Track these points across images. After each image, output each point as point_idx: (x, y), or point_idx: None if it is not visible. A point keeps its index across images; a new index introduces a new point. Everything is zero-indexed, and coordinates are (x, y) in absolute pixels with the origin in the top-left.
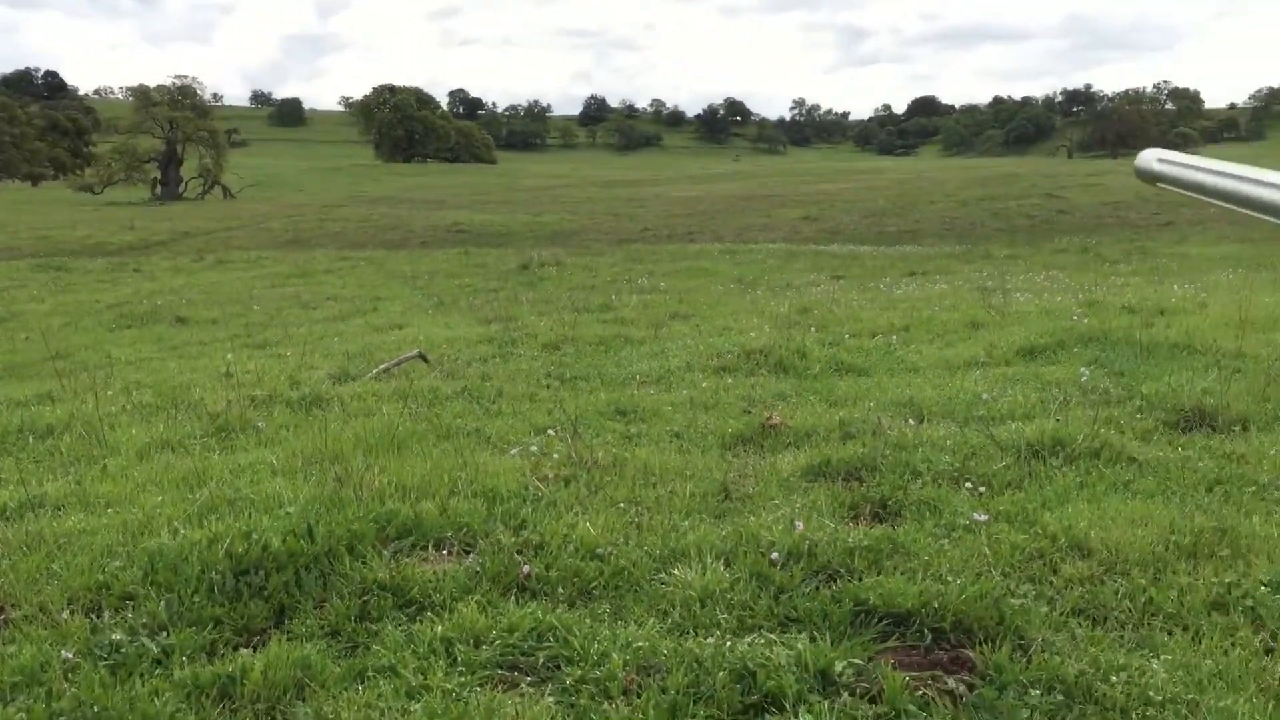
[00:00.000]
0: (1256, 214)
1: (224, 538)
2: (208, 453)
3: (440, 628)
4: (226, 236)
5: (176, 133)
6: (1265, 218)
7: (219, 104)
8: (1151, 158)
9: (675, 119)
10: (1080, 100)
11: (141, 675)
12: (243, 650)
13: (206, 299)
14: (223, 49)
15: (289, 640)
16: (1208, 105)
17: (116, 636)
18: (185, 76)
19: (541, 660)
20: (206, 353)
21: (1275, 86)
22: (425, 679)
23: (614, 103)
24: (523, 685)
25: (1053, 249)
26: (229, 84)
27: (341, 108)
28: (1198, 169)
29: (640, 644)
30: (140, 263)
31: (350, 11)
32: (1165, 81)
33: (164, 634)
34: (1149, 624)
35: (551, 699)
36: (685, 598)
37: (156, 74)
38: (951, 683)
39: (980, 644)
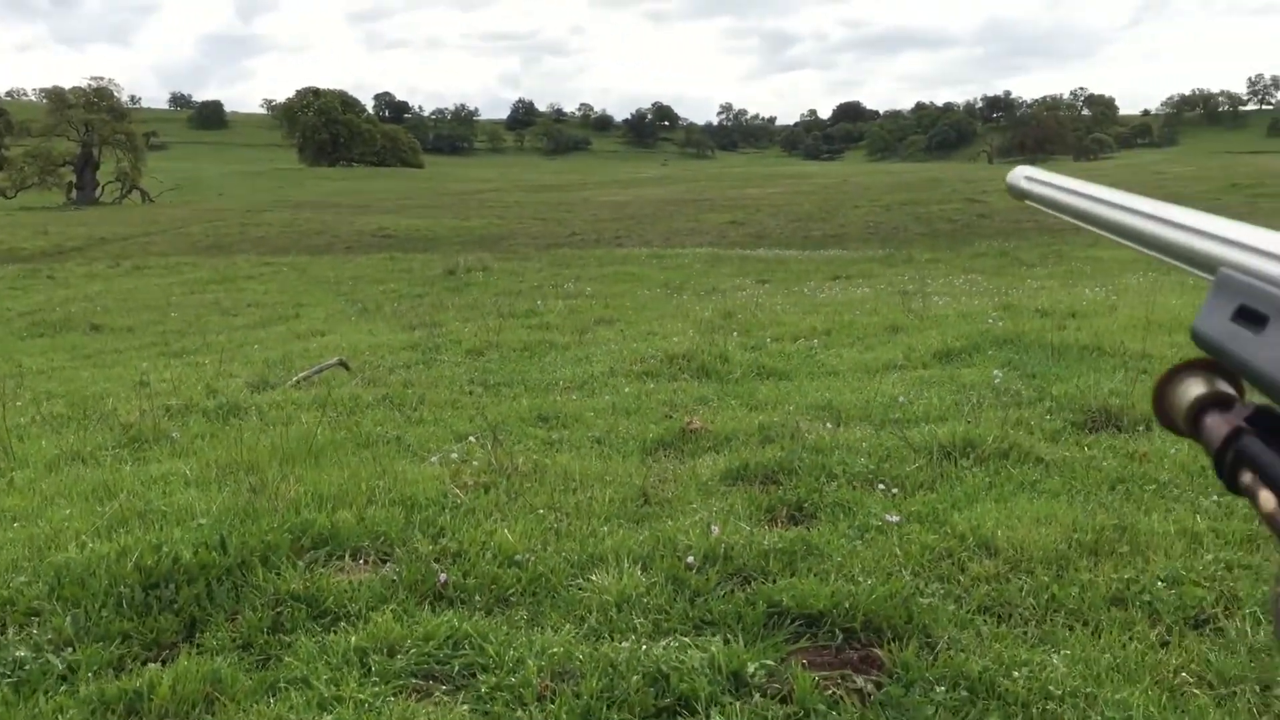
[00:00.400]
0: (1111, 236)
1: (133, 550)
2: (119, 464)
3: (354, 638)
4: (145, 242)
5: (93, 136)
6: (1120, 240)
7: (137, 106)
8: (1020, 175)
9: (603, 123)
10: (1000, 106)
11: (46, 692)
12: (151, 665)
13: (122, 306)
14: (141, 51)
15: (199, 653)
16: (1123, 112)
17: (20, 653)
18: (102, 78)
19: (457, 668)
20: (122, 361)
21: (1186, 94)
22: (338, 690)
23: (542, 107)
24: (437, 694)
25: (972, 253)
26: (147, 86)
27: (264, 111)
28: (1060, 189)
29: (556, 650)
30: (54, 269)
31: (273, 13)
32: (1082, 89)
33: (70, 650)
34: (1051, 620)
35: (466, 707)
36: (602, 603)
37: (72, 76)
38: (860, 681)
39: (889, 643)
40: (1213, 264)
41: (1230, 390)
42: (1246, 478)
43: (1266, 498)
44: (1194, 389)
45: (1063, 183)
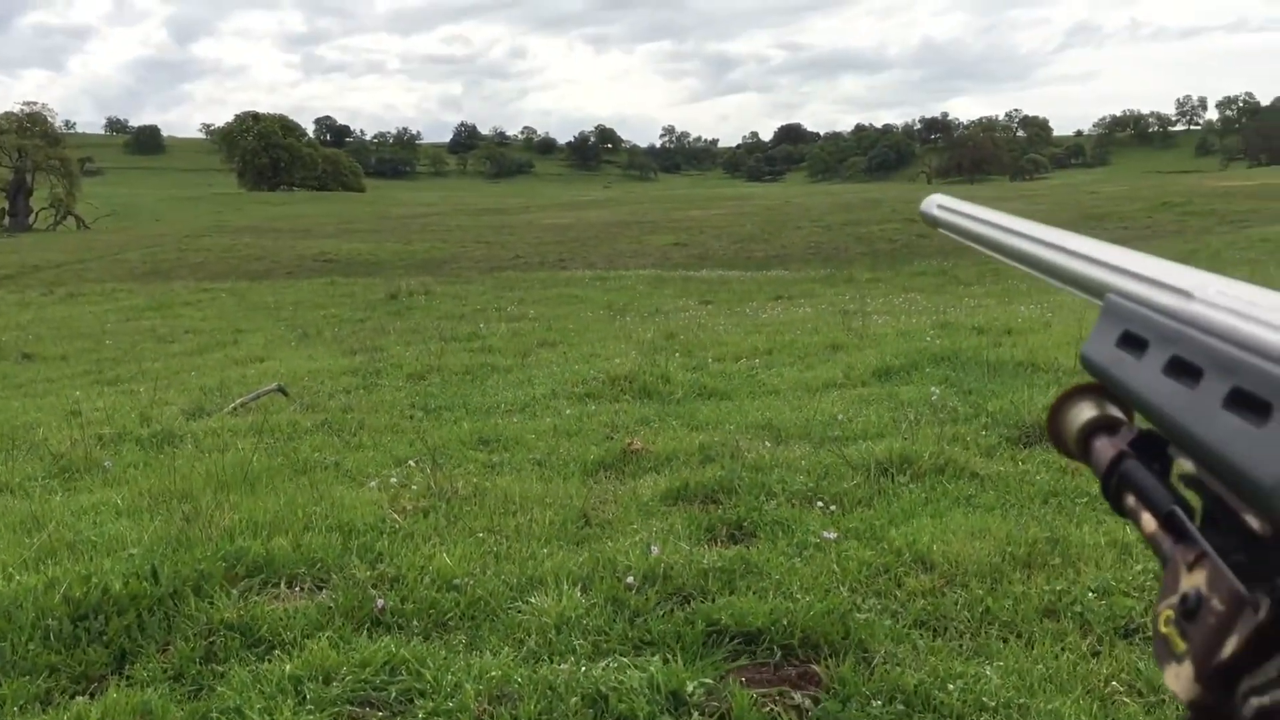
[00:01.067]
0: (1013, 263)
1: (62, 582)
2: (49, 495)
3: (289, 666)
4: (79, 269)
5: (26, 161)
6: (1021, 267)
7: (72, 132)
8: (933, 203)
9: (547, 146)
10: (938, 128)
11: None
12: (79, 698)
13: (56, 334)
14: (75, 75)
15: (129, 686)
16: (1056, 133)
17: None
18: (35, 103)
19: (394, 694)
20: (54, 390)
21: (1117, 115)
22: (272, 718)
23: (485, 130)
24: None
25: (912, 272)
26: (82, 111)
27: (203, 135)
28: (968, 216)
29: (494, 673)
30: None
31: (210, 37)
32: (1017, 110)
33: None
34: (986, 632)
35: None
36: (541, 625)
37: (3, 101)
38: (798, 697)
39: (827, 658)
40: (1101, 290)
41: (1119, 414)
42: (1130, 500)
43: (1148, 520)
44: (1085, 413)
45: (971, 210)
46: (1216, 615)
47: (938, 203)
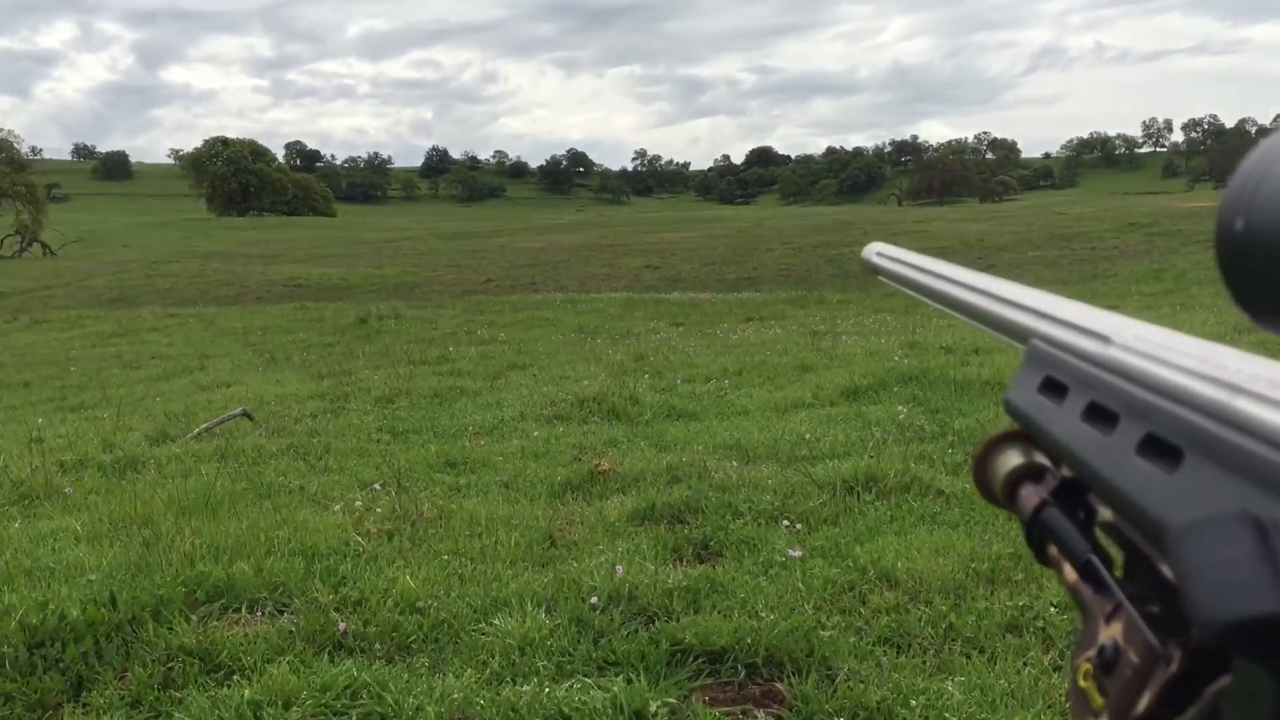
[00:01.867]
0: (946, 309)
1: (17, 609)
2: (7, 522)
3: (248, 691)
4: (45, 295)
5: None
6: (953, 313)
7: (38, 158)
8: (873, 251)
9: (518, 170)
10: (908, 150)
11: None
12: None
13: (19, 361)
14: (41, 101)
15: (85, 713)
16: (1025, 155)
17: None
18: (0, 129)
19: (355, 718)
20: (16, 417)
21: (1085, 137)
22: None
23: (456, 154)
24: None
25: (883, 293)
26: (49, 137)
27: (171, 161)
28: (902, 263)
29: (456, 696)
30: None
31: (178, 62)
32: (985, 133)
33: None
34: (949, 648)
35: None
36: (505, 646)
37: None
38: (761, 716)
39: (790, 676)
40: (1025, 335)
41: (1044, 462)
42: (1052, 550)
43: (1068, 570)
44: (1011, 460)
45: (905, 257)
46: (1132, 669)
47: (877, 250)
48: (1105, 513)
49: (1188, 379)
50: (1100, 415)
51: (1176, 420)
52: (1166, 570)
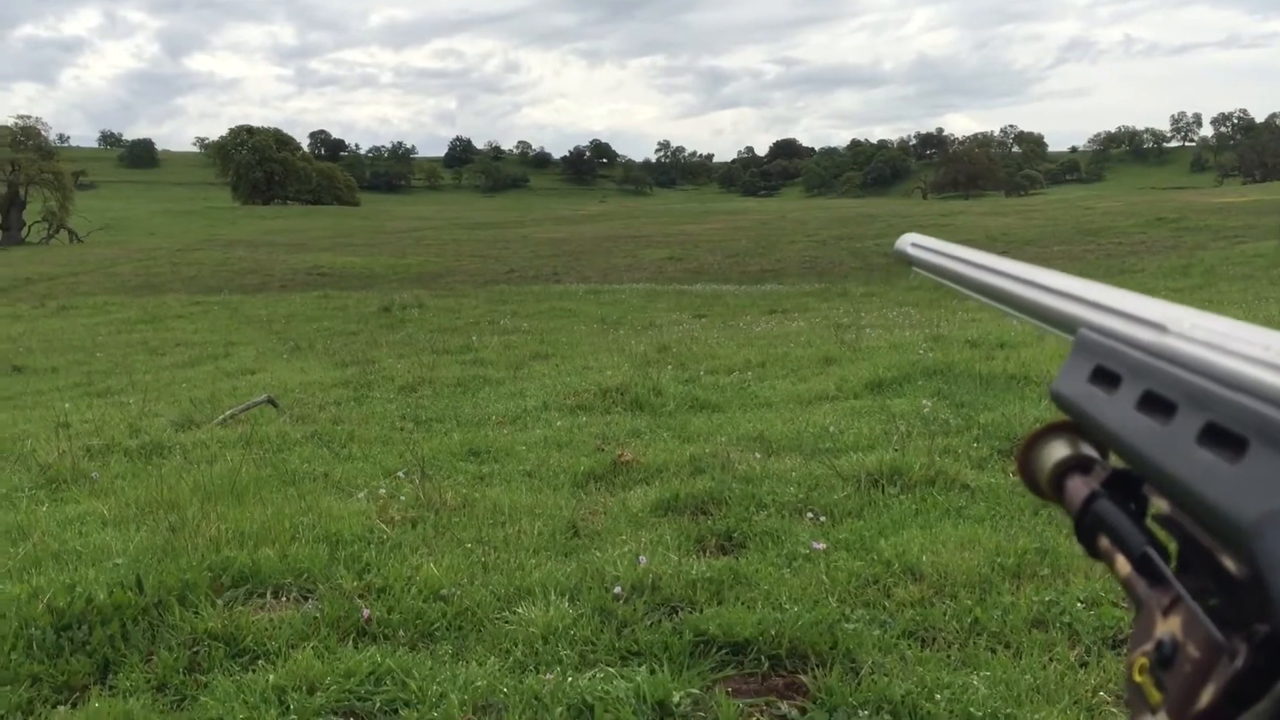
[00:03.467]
0: (986, 300)
1: (45, 592)
2: (35, 505)
3: (273, 676)
4: (72, 282)
5: (19, 175)
6: (995, 304)
7: (65, 145)
8: (908, 242)
9: (542, 161)
10: (933, 143)
11: None
12: (61, 707)
13: (47, 347)
14: (67, 89)
15: (111, 695)
16: (1051, 149)
17: None
18: (28, 117)
19: (379, 704)
20: (43, 402)
21: (1112, 131)
22: None
23: (480, 144)
24: None
25: (906, 286)
26: (76, 125)
27: (197, 149)
28: (941, 254)
29: (480, 683)
30: None
31: (203, 51)
32: (1012, 126)
33: None
34: (974, 643)
35: None
36: (528, 635)
37: None
38: (785, 707)
39: (814, 669)
40: (1073, 325)
41: (1093, 453)
42: (1104, 542)
43: (1121, 563)
44: (1057, 452)
45: (944, 248)
46: (1192, 663)
47: (912, 241)
48: (1160, 504)
49: (1253, 367)
50: (1157, 404)
51: (1241, 409)
52: (1228, 562)
